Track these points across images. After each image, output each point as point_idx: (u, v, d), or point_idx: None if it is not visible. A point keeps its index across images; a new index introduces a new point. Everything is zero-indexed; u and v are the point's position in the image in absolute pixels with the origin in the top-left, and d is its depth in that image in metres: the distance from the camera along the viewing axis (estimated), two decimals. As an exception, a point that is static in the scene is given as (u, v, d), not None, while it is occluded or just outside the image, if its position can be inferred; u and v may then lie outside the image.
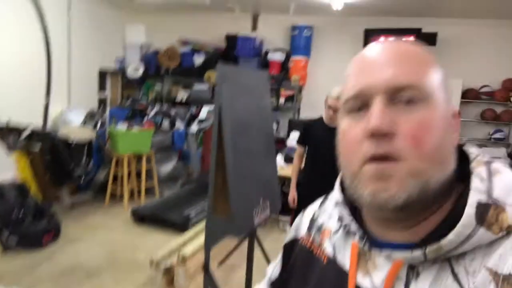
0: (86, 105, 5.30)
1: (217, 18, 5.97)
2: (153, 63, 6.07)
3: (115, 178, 4.68)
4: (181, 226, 3.74)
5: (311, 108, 6.00)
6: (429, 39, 5.19)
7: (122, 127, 4.43)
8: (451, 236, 0.45)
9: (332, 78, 5.91)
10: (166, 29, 6.32)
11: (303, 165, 2.89)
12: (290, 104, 5.83)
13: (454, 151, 0.50)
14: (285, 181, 4.16)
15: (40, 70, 4.77)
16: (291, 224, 2.14)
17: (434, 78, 0.49)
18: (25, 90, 4.57)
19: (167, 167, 5.14)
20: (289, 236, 0.70)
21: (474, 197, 0.46)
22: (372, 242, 0.53)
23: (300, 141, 2.88)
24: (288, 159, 4.53)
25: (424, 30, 5.18)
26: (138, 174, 4.83)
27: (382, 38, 5.53)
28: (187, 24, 6.25)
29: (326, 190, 0.67)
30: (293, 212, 3.27)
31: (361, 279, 0.53)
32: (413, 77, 0.48)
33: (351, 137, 0.50)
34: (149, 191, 5.02)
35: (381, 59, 0.50)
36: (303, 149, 2.86)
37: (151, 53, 6.16)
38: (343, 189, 0.58)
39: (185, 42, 6.04)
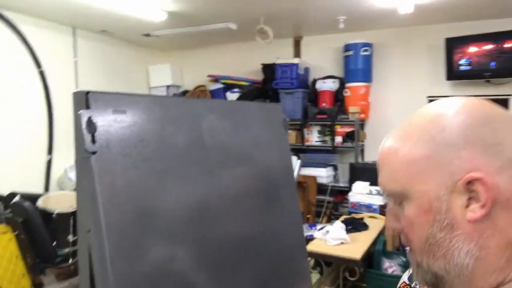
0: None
1: (251, 47, 4.95)
2: (180, 106, 5.15)
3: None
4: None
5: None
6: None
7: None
8: None
9: (403, 106, 4.54)
10: (194, 66, 5.44)
11: None
12: (350, 143, 4.49)
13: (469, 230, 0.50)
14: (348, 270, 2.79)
15: (41, 123, 4.04)
16: None
17: (409, 178, 0.53)
18: (23, 147, 3.80)
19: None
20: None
21: None
22: None
23: None
24: (353, 227, 3.13)
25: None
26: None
27: (472, 48, 4.11)
28: (216, 57, 5.32)
29: None
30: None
31: None
32: (389, 185, 0.56)
33: None
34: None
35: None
36: None
37: (178, 95, 5.28)
38: None
39: (216, 78, 5.07)
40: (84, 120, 0.56)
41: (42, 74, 3.90)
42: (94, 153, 0.56)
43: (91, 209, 0.55)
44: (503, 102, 4.08)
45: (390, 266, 3.36)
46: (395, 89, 4.51)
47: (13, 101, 3.72)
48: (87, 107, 0.57)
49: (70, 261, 3.13)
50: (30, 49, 3.79)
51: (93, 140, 0.56)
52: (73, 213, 3.11)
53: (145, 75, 5.37)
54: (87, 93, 0.57)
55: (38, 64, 3.86)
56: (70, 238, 3.07)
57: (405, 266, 3.52)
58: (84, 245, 0.56)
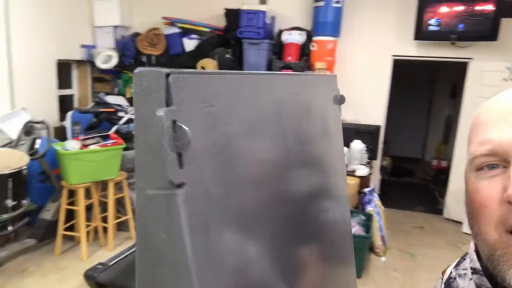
0: (39, 109, 3.87)
1: (214, -12, 4.47)
2: (130, 49, 4.61)
3: (70, 215, 3.28)
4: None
5: (344, 107, 4.51)
6: None
7: (72, 145, 2.97)
8: None
9: (367, 64, 4.47)
10: (146, 5, 4.84)
11: None
12: (312, 101, 4.35)
13: None
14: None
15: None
16: None
17: None
18: None
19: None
20: None
21: None
22: None
23: None
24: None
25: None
26: (105, 207, 3.42)
27: (444, 8, 4.06)
28: (174, -3, 4.76)
29: None
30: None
31: None
32: None
33: (483, 198, 0.41)
34: (122, 226, 3.67)
35: None
36: None
37: (128, 38, 4.70)
38: (478, 254, 0.48)
39: (172, 21, 4.55)
40: (167, 128, 0.28)
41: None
42: (181, 185, 0.30)
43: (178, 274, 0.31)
44: (463, 65, 4.16)
45: (352, 226, 3.40)
46: (361, 45, 4.39)
47: None
48: (167, 102, 0.29)
49: (10, 228, 2.75)
50: None
51: (181, 163, 0.30)
52: (12, 175, 2.68)
53: (88, 12, 4.67)
54: (168, 75, 0.30)
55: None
56: (9, 203, 2.67)
57: (364, 225, 3.59)
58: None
